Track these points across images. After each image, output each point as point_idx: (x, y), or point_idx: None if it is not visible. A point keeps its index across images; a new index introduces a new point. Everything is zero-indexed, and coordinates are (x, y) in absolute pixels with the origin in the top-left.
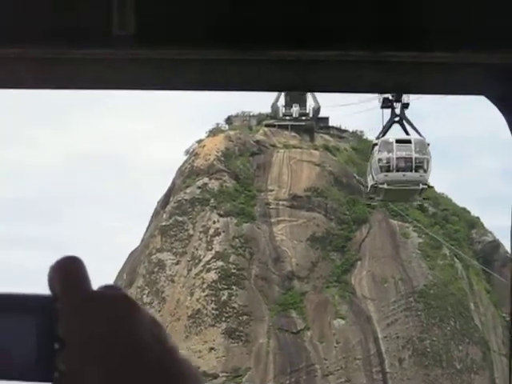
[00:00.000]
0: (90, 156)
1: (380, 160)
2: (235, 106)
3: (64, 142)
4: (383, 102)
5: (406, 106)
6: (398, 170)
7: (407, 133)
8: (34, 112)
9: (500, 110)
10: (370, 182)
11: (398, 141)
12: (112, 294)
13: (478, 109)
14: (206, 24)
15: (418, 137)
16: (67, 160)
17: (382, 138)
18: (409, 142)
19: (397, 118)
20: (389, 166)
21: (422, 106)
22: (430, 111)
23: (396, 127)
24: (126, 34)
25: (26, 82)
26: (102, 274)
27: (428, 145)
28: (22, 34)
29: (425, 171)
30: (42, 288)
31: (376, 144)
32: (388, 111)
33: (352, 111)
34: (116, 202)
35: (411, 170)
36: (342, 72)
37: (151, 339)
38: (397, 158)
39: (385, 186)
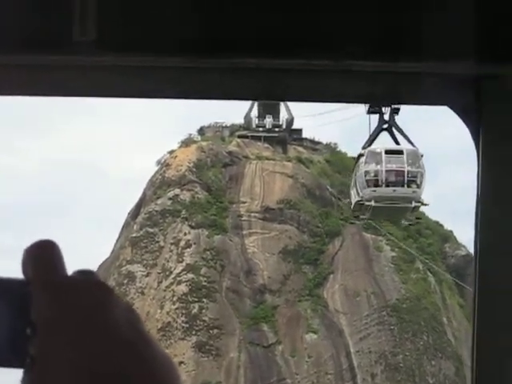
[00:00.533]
0: (65, 164)
1: (367, 173)
2: (208, 116)
3: (40, 149)
4: (370, 106)
5: (396, 111)
6: (387, 185)
7: (397, 142)
8: (9, 118)
9: (463, 120)
10: (355, 198)
11: (387, 151)
12: (86, 280)
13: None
14: (168, 31)
15: (410, 147)
16: (42, 167)
17: (369, 148)
18: (400, 152)
19: (385, 126)
20: (377, 180)
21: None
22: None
23: (384, 136)
24: (87, 40)
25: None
26: None
27: (422, 156)
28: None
29: (418, 186)
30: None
31: (362, 155)
32: (374, 117)
33: (328, 120)
34: (91, 211)
35: (403, 185)
36: (308, 81)
37: (126, 325)
38: (386, 171)
39: (372, 203)
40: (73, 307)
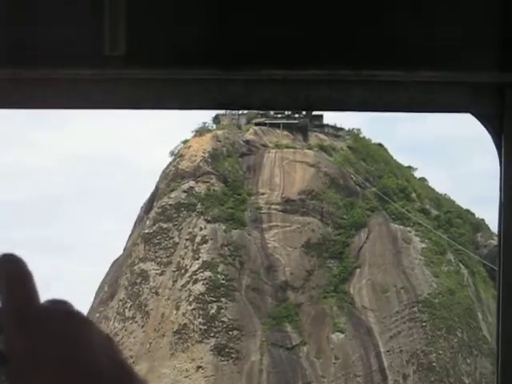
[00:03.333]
0: (88, 158)
1: None
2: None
3: (62, 144)
4: None
5: None
6: None
7: None
8: (33, 114)
9: (485, 127)
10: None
11: None
12: (59, 309)
13: None
14: (196, 44)
15: None
16: (64, 162)
17: None
18: None
19: None
20: None
21: None
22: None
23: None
24: (117, 54)
25: (15, 102)
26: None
27: None
28: (13, 55)
29: None
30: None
31: None
32: None
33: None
34: (113, 205)
35: None
36: (332, 91)
37: (102, 356)
38: None
39: None
40: (45, 338)
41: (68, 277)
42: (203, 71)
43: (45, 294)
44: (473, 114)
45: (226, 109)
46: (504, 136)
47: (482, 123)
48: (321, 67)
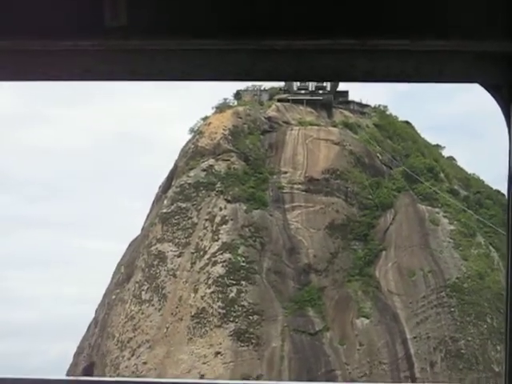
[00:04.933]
0: (110, 136)
1: None
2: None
3: (83, 122)
4: None
5: None
6: None
7: None
8: (56, 92)
9: (493, 96)
10: None
11: None
12: None
13: None
14: (197, 14)
15: None
16: (86, 140)
17: None
18: None
19: None
20: None
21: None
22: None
23: None
24: (118, 25)
25: (18, 74)
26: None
27: None
28: (13, 26)
29: None
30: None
31: None
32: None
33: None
34: (137, 181)
35: None
36: (337, 61)
37: None
38: None
39: None
40: None
41: (92, 254)
42: (205, 42)
43: (71, 269)
44: (481, 84)
45: (229, 80)
46: None
47: (490, 93)
48: (325, 37)
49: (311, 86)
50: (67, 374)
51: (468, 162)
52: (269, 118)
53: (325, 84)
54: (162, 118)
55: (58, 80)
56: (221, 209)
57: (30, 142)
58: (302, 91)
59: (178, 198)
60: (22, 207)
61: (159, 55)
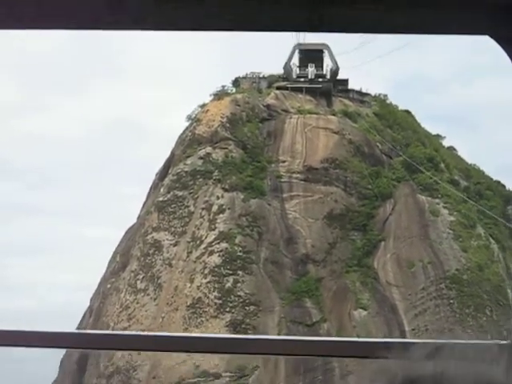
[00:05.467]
0: (108, 124)
1: None
2: (244, 65)
3: (81, 110)
4: None
5: None
6: None
7: None
8: (53, 80)
9: (504, 49)
10: None
11: None
12: None
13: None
14: None
15: None
16: (85, 128)
17: None
18: None
19: None
20: None
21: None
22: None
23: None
24: None
25: (24, 22)
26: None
27: None
28: None
29: None
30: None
31: None
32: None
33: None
34: (134, 169)
35: None
36: (347, 11)
37: None
38: None
39: None
40: None
41: (88, 241)
42: None
43: (67, 256)
44: (491, 37)
45: (240, 30)
46: None
47: (502, 46)
48: None
49: (310, 73)
50: (61, 364)
51: (468, 153)
52: (267, 106)
53: (324, 72)
54: (158, 105)
55: (66, 29)
56: (218, 197)
57: (25, 130)
58: (302, 79)
59: (175, 186)
60: (18, 195)
61: (167, 4)
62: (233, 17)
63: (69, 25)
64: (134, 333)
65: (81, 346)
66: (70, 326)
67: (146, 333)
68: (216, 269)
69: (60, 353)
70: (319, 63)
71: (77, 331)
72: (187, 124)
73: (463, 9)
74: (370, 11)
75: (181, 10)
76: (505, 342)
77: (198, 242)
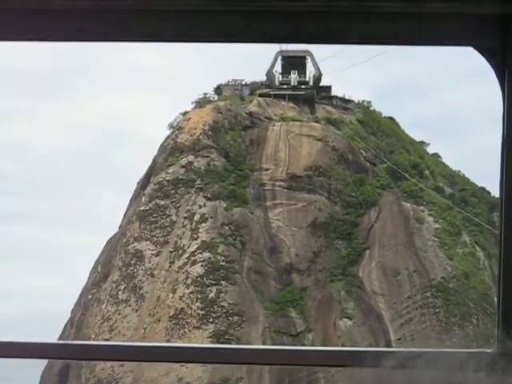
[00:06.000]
0: (89, 131)
1: None
2: (226, 73)
3: (62, 117)
4: None
5: None
6: None
7: None
8: (36, 87)
9: (488, 61)
10: None
11: None
12: None
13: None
14: None
15: None
16: (65, 135)
17: None
18: None
19: None
20: None
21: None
22: (428, 87)
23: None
24: None
25: (12, 34)
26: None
27: None
28: None
29: None
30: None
31: None
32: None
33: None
34: (116, 177)
35: None
36: (332, 23)
37: None
38: None
39: None
40: None
41: (68, 248)
42: (199, 2)
43: (47, 263)
44: (475, 48)
45: (221, 42)
46: (507, 70)
47: (485, 57)
48: None
49: (293, 80)
50: (42, 376)
51: (453, 159)
52: (250, 114)
53: (307, 79)
54: (139, 112)
55: (52, 40)
56: (200, 206)
57: (6, 136)
58: (284, 86)
59: (157, 196)
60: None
61: (152, 15)
62: (221, 29)
63: (55, 37)
64: (117, 343)
65: (63, 357)
66: (49, 337)
67: (129, 343)
68: (199, 279)
69: (41, 364)
70: (302, 70)
71: (59, 342)
72: (169, 132)
73: (447, 21)
74: (359, 23)
75: (165, 21)
76: (490, 350)
77: (180, 252)
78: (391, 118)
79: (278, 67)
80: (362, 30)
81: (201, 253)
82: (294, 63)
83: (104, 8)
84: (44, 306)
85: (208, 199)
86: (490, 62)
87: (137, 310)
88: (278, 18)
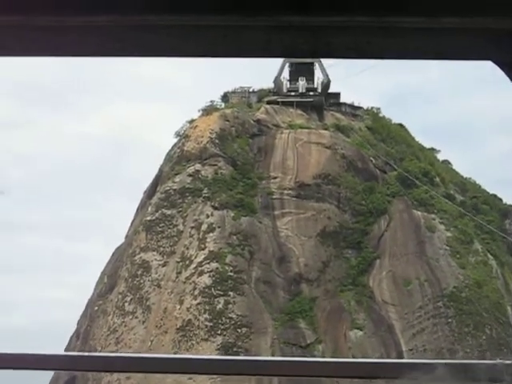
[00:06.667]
0: (96, 141)
1: None
2: (232, 81)
3: (69, 127)
4: None
5: None
6: None
7: None
8: (41, 96)
9: (508, 74)
10: None
11: None
12: None
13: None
14: None
15: None
16: (72, 144)
17: None
18: None
19: None
20: None
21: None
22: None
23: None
24: (134, 1)
25: (30, 50)
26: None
27: None
28: (26, 1)
29: None
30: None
31: None
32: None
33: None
34: (123, 187)
35: None
36: (352, 38)
37: None
38: None
39: None
40: None
41: (78, 258)
42: (222, 17)
43: (55, 274)
44: (494, 62)
45: (244, 57)
46: None
47: (504, 71)
48: (341, 13)
49: (301, 87)
50: None
51: (464, 166)
52: (257, 121)
53: (315, 85)
54: (146, 121)
55: (70, 56)
56: (207, 216)
57: (11, 146)
58: (292, 93)
59: (163, 205)
60: (4, 212)
61: (175, 31)
62: (244, 44)
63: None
64: (123, 355)
65: (70, 368)
66: (55, 348)
67: (136, 354)
68: (206, 290)
69: (47, 376)
70: (310, 76)
71: (65, 353)
72: (176, 140)
73: (466, 34)
74: (380, 38)
75: (188, 37)
76: (509, 361)
77: (187, 262)
78: (401, 125)
79: (286, 74)
80: (382, 45)
81: (208, 263)
82: (301, 70)
83: (122, 24)
84: (51, 317)
85: (215, 208)
86: (509, 76)
87: (143, 322)
88: (299, 33)
